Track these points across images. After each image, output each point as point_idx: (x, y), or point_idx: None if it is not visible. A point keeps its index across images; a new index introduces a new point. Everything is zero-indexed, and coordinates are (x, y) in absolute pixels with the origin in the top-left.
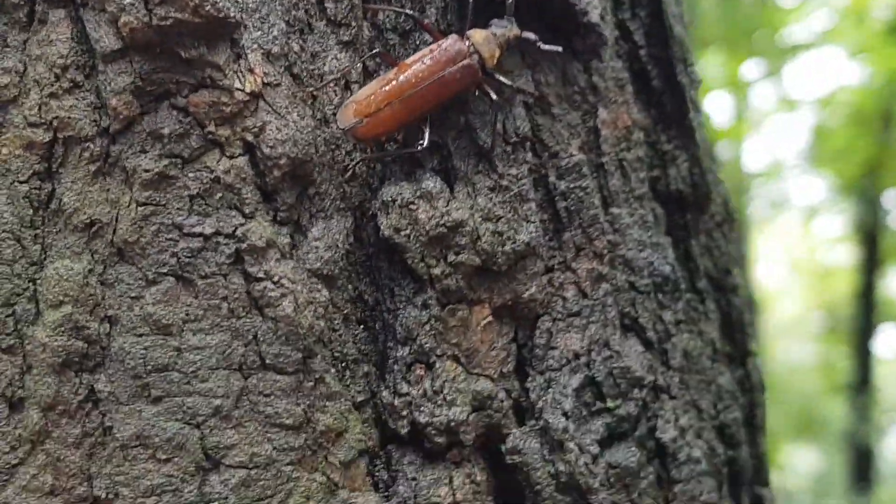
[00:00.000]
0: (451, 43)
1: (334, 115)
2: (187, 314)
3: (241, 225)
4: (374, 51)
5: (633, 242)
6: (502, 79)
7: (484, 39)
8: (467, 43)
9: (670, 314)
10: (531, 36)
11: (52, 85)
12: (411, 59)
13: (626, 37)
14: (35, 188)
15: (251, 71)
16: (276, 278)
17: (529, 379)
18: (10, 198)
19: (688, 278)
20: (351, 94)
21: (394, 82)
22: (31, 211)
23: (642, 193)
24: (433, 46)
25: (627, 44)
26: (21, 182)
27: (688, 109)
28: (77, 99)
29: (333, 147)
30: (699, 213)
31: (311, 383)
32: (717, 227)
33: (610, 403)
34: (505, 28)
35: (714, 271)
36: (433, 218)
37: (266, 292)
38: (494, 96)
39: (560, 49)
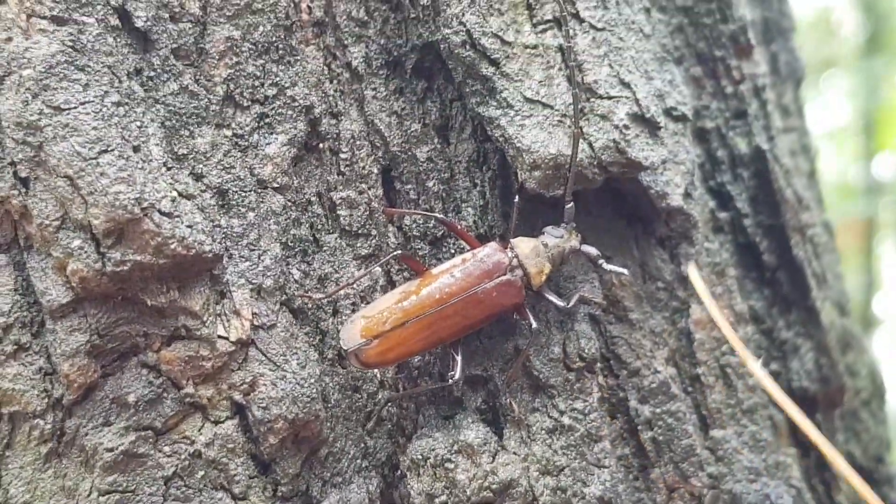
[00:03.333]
0: (488, 253)
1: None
2: None
3: None
4: (394, 252)
5: (742, 472)
6: (553, 299)
7: (531, 251)
8: (510, 254)
9: None
10: (592, 251)
11: None
12: (439, 268)
13: (726, 204)
14: None
15: (237, 313)
16: None
17: None
18: None
19: (824, 492)
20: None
21: (414, 296)
22: None
23: (753, 405)
24: (467, 255)
25: (729, 212)
26: None
27: (809, 287)
28: (23, 365)
29: (350, 392)
30: (832, 409)
31: None
32: (863, 406)
33: None
34: (560, 238)
35: (863, 459)
36: (475, 479)
37: None
38: (534, 324)
39: (626, 272)
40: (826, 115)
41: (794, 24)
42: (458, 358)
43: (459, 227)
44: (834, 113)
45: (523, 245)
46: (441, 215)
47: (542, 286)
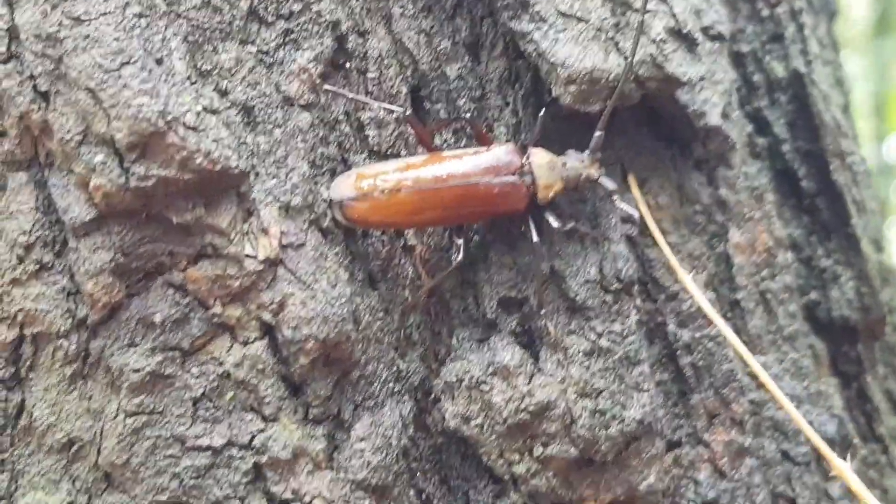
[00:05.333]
0: (502, 151)
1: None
2: None
3: (261, 431)
4: (403, 111)
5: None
6: (551, 219)
7: (547, 164)
8: (524, 160)
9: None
10: (609, 185)
11: (15, 269)
12: (450, 151)
13: (763, 129)
14: (0, 400)
15: (265, 232)
16: (307, 498)
17: None
18: None
19: (864, 423)
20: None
21: (416, 169)
22: None
23: (794, 331)
24: (481, 149)
25: (766, 138)
26: None
27: (850, 214)
28: (45, 284)
29: (382, 314)
30: (872, 340)
31: None
32: None
33: None
34: (580, 163)
35: None
36: (512, 401)
37: None
38: (536, 237)
39: (636, 215)
40: None
41: None
42: (460, 241)
43: (479, 126)
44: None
45: (541, 155)
46: (466, 116)
47: (546, 202)
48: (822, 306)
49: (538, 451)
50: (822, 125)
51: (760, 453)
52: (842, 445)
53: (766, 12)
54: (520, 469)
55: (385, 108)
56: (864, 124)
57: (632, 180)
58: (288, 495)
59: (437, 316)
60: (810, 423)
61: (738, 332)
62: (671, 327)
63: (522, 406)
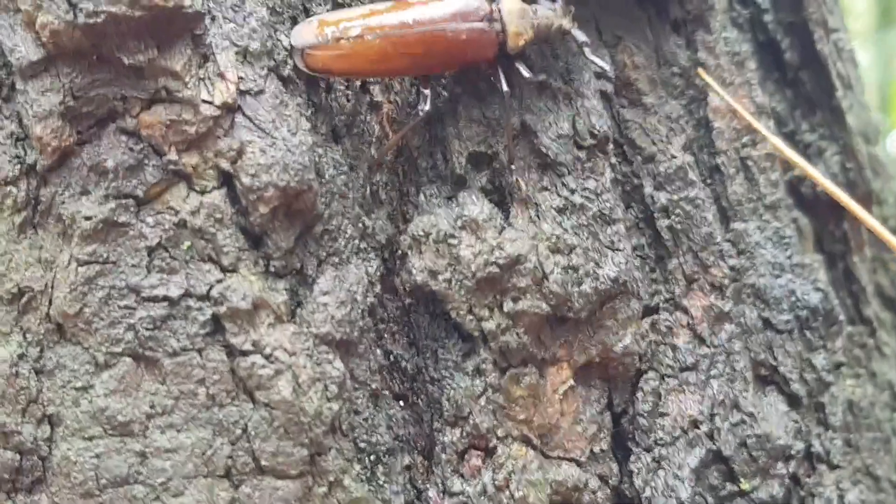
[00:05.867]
0: None
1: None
2: (152, 406)
3: (219, 282)
4: None
5: (765, 266)
6: (521, 69)
7: (518, 12)
8: (494, 6)
9: (824, 357)
10: (580, 36)
11: None
12: None
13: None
14: None
15: (221, 76)
16: (268, 350)
17: (632, 458)
18: None
19: (851, 305)
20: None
21: (381, 15)
22: None
23: (776, 200)
24: None
25: (747, 8)
26: None
27: (834, 87)
28: None
29: (347, 169)
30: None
31: (325, 488)
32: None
33: (745, 484)
34: (551, 12)
35: (891, 289)
36: (481, 254)
37: (255, 370)
38: (505, 87)
39: (608, 68)
40: None
41: None
42: (427, 91)
43: None
44: None
45: (511, 2)
46: None
47: (517, 51)
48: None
49: (508, 306)
50: None
51: (741, 321)
52: (826, 319)
53: None
54: (489, 325)
55: None
56: None
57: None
58: (248, 347)
59: (404, 175)
60: (793, 292)
61: (717, 197)
62: (648, 189)
63: (492, 259)
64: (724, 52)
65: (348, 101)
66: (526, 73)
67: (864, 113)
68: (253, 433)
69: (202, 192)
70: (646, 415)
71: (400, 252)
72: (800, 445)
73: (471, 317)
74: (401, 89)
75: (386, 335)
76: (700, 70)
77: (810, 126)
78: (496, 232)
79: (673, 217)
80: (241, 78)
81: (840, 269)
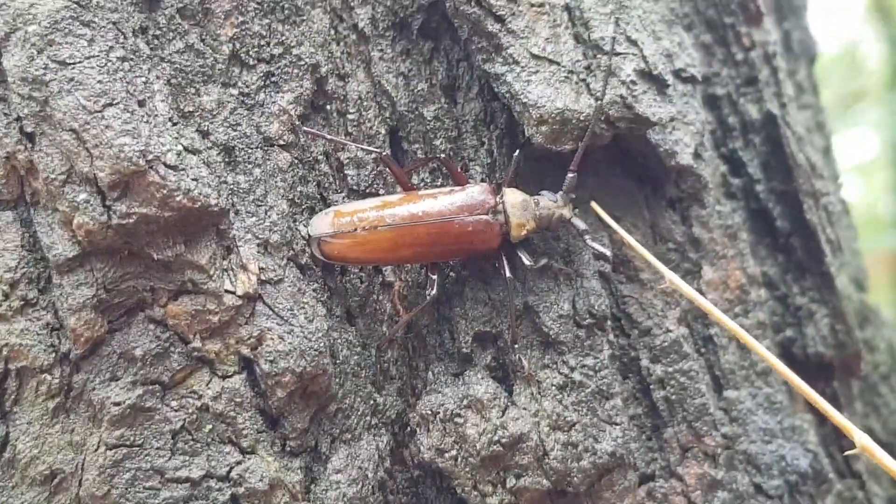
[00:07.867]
0: (477, 190)
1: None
2: None
3: (239, 463)
4: (379, 151)
5: (756, 433)
6: (523, 257)
7: (520, 204)
8: (498, 199)
9: None
10: (580, 225)
11: (0, 305)
12: (425, 190)
13: (738, 170)
14: None
15: (244, 268)
16: None
17: None
18: None
19: (842, 460)
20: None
21: (392, 207)
22: None
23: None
24: (456, 188)
25: (741, 179)
26: None
27: (823, 253)
28: (30, 320)
29: (359, 348)
30: (849, 377)
31: None
32: (882, 381)
33: None
34: (553, 203)
35: (882, 434)
36: (485, 433)
37: None
38: (508, 273)
39: (608, 254)
40: (854, 149)
41: (807, 3)
42: (434, 277)
43: (453, 165)
44: (862, 146)
45: (514, 195)
46: (441, 155)
47: (519, 240)
48: (798, 343)
49: (511, 482)
50: (796, 166)
51: (733, 486)
52: (816, 479)
53: (740, 56)
54: (493, 501)
55: (363, 149)
56: (882, 175)
57: (594, 206)
58: None
59: (414, 351)
60: (783, 457)
61: (711, 366)
62: (644, 362)
63: (496, 438)
64: (717, 225)
65: (361, 282)
66: (527, 261)
67: (857, 260)
68: None
69: (223, 377)
70: None
71: (409, 429)
72: None
73: (476, 492)
74: (411, 268)
75: None
76: (593, 203)
77: (801, 290)
78: (500, 411)
79: (668, 388)
80: (262, 268)
81: (830, 426)
